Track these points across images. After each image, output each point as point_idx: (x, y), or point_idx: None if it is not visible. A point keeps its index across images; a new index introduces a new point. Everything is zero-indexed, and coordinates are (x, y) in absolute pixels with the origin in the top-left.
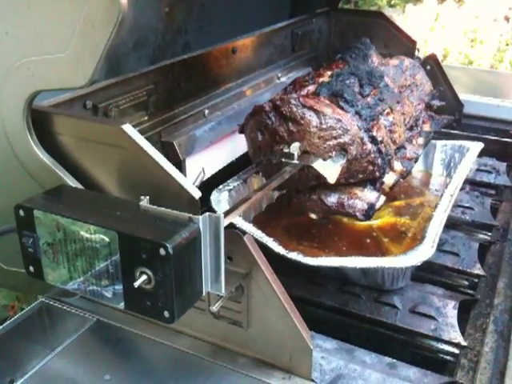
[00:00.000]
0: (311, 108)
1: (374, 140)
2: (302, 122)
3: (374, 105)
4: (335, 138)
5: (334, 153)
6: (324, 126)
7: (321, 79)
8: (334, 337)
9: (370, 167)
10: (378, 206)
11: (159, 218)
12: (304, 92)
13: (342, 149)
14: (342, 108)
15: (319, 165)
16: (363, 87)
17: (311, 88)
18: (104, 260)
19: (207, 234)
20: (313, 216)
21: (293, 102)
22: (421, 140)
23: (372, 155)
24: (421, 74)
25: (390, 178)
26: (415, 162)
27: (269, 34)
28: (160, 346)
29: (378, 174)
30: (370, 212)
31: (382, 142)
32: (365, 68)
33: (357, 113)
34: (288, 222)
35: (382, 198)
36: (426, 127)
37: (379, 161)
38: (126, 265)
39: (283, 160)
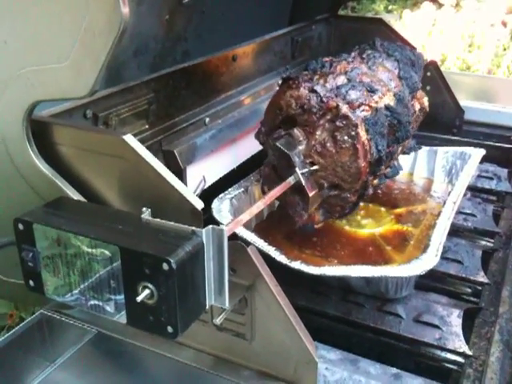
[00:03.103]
0: (356, 149)
1: (361, 196)
2: (339, 150)
3: (387, 158)
4: (343, 181)
5: (327, 185)
6: (346, 168)
7: (376, 100)
8: (337, 346)
9: (338, 208)
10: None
11: (161, 231)
12: (361, 109)
13: (337, 188)
14: (370, 164)
15: (313, 194)
16: (394, 139)
17: (367, 109)
18: (106, 274)
19: (210, 247)
20: (265, 189)
21: (351, 129)
22: (375, 182)
23: (349, 205)
24: (420, 121)
25: None
26: None
27: (269, 41)
28: (162, 358)
29: (336, 215)
30: (306, 227)
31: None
32: (409, 114)
33: (374, 172)
34: (289, 230)
35: (320, 225)
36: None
37: (348, 210)
38: (128, 279)
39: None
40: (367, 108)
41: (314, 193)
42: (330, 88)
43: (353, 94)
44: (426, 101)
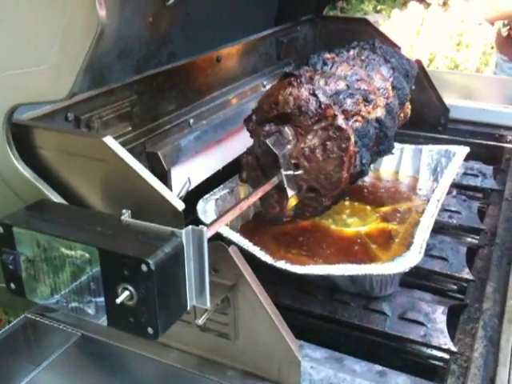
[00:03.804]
0: (342, 161)
1: (335, 202)
2: (326, 159)
3: (368, 167)
4: (323, 187)
5: (306, 188)
6: (329, 177)
7: (369, 110)
8: (323, 345)
9: (311, 209)
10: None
11: (141, 232)
12: (354, 119)
13: (315, 191)
14: (351, 175)
15: (292, 196)
16: (377, 151)
17: (359, 119)
18: (86, 276)
19: (190, 247)
20: (243, 175)
21: (343, 141)
22: None
23: (321, 209)
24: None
25: None
26: None
27: (254, 42)
28: (146, 360)
29: (308, 214)
30: (274, 220)
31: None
32: (395, 126)
33: (352, 183)
34: (276, 230)
35: (289, 219)
36: None
37: (319, 212)
38: (107, 281)
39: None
40: (360, 118)
41: (293, 194)
42: (329, 94)
43: (349, 102)
44: (409, 110)
